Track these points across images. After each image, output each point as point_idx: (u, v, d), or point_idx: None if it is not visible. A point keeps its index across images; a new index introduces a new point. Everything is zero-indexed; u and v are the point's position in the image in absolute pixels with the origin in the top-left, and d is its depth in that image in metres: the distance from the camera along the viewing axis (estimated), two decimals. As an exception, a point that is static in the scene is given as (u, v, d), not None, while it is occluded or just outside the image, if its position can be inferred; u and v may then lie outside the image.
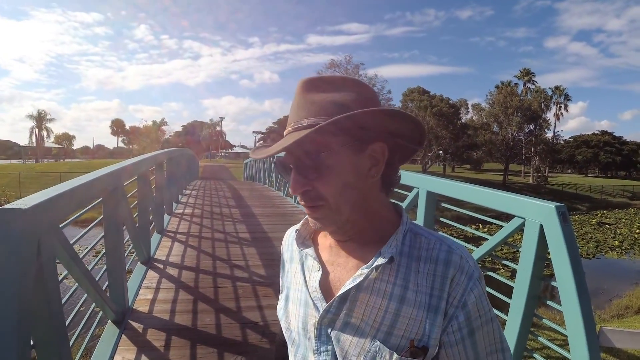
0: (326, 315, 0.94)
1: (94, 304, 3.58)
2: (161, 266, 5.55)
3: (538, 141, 53.75)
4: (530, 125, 53.01)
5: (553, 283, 3.10)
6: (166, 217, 8.30)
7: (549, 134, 60.39)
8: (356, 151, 0.90)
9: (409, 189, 4.87)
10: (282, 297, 1.13)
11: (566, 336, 2.95)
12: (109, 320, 3.79)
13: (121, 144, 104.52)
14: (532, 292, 3.30)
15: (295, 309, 1.04)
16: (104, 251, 3.90)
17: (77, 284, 3.10)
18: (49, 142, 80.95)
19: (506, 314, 3.50)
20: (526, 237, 3.30)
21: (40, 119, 74.10)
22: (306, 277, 1.04)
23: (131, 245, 5.15)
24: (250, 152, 1.02)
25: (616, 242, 24.22)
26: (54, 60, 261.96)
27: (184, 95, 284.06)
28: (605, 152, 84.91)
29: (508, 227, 3.55)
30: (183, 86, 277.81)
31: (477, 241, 3.89)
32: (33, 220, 2.04)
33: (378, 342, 0.89)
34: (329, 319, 0.94)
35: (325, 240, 1.05)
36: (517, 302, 3.37)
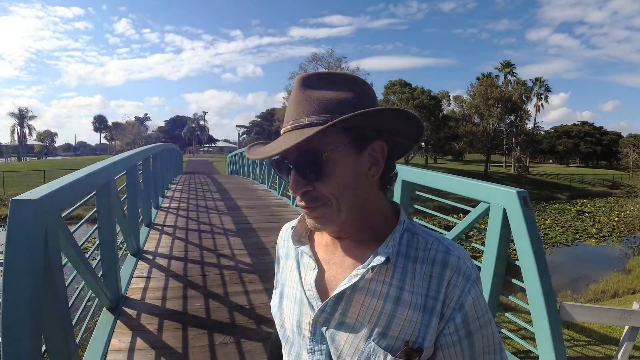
0: (321, 314, 0.94)
1: (90, 292, 3.80)
2: (151, 257, 5.75)
3: (519, 132, 54.18)
4: (511, 116, 53.36)
5: (516, 262, 3.33)
6: (153, 210, 8.47)
7: (530, 125, 61.05)
8: (357, 150, 0.89)
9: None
10: (276, 293, 1.12)
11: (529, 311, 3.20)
12: (104, 308, 4.01)
13: (104, 141, 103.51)
14: (498, 271, 3.55)
15: (290, 306, 1.03)
16: (97, 242, 4.12)
17: (74, 272, 3.33)
18: (31, 140, 79.95)
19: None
20: (491, 221, 3.57)
21: (21, 116, 73.17)
22: (302, 275, 1.03)
23: (121, 237, 5.36)
24: (246, 152, 0.99)
25: (594, 230, 24.73)
26: (33, 57, 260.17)
27: (166, 89, 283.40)
28: (586, 143, 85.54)
29: (475, 212, 3.82)
30: (165, 81, 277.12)
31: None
32: (41, 210, 2.25)
33: (372, 343, 0.89)
34: (324, 318, 0.94)
35: (321, 237, 1.05)
36: (484, 281, 3.60)
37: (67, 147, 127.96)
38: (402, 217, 0.97)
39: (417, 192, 4.95)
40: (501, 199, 3.46)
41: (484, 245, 3.69)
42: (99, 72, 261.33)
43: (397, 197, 4.86)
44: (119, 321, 3.88)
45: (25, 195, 2.25)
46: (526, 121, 56.96)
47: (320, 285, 0.98)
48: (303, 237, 1.06)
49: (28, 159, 70.49)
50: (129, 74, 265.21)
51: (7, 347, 1.97)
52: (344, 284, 0.92)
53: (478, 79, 55.53)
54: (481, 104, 50.95)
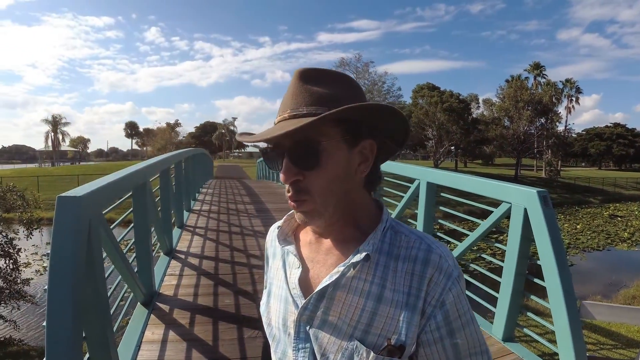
0: (304, 312, 0.95)
1: (125, 287, 4.00)
2: (183, 256, 5.97)
3: (549, 135, 53.20)
4: (542, 119, 52.30)
5: (537, 262, 3.39)
6: (185, 213, 8.71)
7: (561, 128, 60.10)
8: (349, 145, 0.91)
9: (411, 180, 5.27)
10: (265, 292, 1.14)
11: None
12: (138, 303, 4.22)
13: (135, 146, 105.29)
14: (520, 270, 3.64)
15: (276, 305, 1.05)
16: (133, 241, 4.33)
17: (111, 267, 3.53)
18: (65, 146, 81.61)
19: (497, 291, 3.83)
20: (512, 220, 3.64)
21: (55, 123, 74.79)
22: (287, 274, 1.05)
23: (154, 237, 5.56)
24: (237, 137, 1.02)
25: (626, 234, 24.32)
26: (66, 65, 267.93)
27: (196, 96, 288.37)
28: (619, 145, 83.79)
29: (497, 212, 3.91)
30: (195, 87, 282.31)
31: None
32: (85, 206, 2.43)
33: (355, 340, 0.90)
34: (307, 316, 0.95)
35: (306, 236, 1.06)
36: (507, 280, 3.71)
37: (99, 153, 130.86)
38: (384, 215, 0.99)
39: (444, 195, 5.04)
40: (522, 199, 3.53)
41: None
42: (130, 79, 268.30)
43: (422, 200, 4.98)
44: (152, 315, 4.08)
45: (70, 193, 2.42)
46: (557, 124, 55.96)
47: (304, 283, 1.00)
48: (289, 236, 1.08)
49: (61, 164, 71.88)
50: (160, 81, 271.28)
51: (51, 333, 2.12)
52: (325, 281, 0.93)
53: (507, 81, 54.85)
54: (511, 106, 50.07)
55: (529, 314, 3.94)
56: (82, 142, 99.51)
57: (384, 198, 6.58)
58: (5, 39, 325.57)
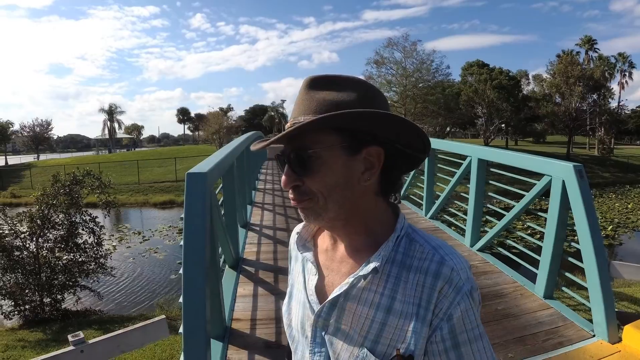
0: (318, 319, 0.98)
1: (220, 249, 4.72)
2: (257, 228, 6.75)
3: (602, 112, 51.53)
4: (594, 95, 50.77)
5: (574, 228, 3.89)
6: (252, 191, 9.52)
7: (614, 104, 58.18)
8: (350, 152, 0.90)
9: (463, 157, 5.88)
10: (287, 293, 1.16)
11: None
12: (227, 266, 4.98)
13: (187, 131, 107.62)
14: (559, 235, 4.15)
15: (296, 308, 1.07)
16: (222, 212, 5.06)
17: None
18: (120, 133, 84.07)
19: (539, 255, 4.37)
20: (553, 191, 4.15)
21: (111, 112, 77.20)
22: (305, 279, 1.06)
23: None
24: (252, 146, 1.03)
25: (679, 214, 23.60)
26: (114, 55, 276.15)
27: (244, 80, 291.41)
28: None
29: (539, 185, 4.44)
30: (242, 71, 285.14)
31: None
32: (209, 179, 3.11)
33: (365, 349, 0.91)
34: (322, 322, 0.97)
35: (323, 242, 1.07)
36: (547, 244, 4.24)
37: (151, 139, 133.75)
38: (398, 224, 0.97)
39: (492, 170, 5.57)
40: (561, 172, 4.01)
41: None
42: (178, 66, 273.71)
43: (473, 175, 5.57)
44: (240, 275, 4.83)
45: (196, 169, 3.10)
46: (610, 100, 54.15)
47: (320, 290, 1.01)
48: (308, 242, 1.09)
49: (117, 150, 74.32)
50: (207, 67, 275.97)
51: (187, 281, 2.70)
52: (336, 292, 0.95)
53: (558, 56, 53.30)
54: (562, 82, 48.37)
55: (567, 273, 4.41)
56: (136, 129, 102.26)
57: (438, 174, 7.17)
58: (54, 34, 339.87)
